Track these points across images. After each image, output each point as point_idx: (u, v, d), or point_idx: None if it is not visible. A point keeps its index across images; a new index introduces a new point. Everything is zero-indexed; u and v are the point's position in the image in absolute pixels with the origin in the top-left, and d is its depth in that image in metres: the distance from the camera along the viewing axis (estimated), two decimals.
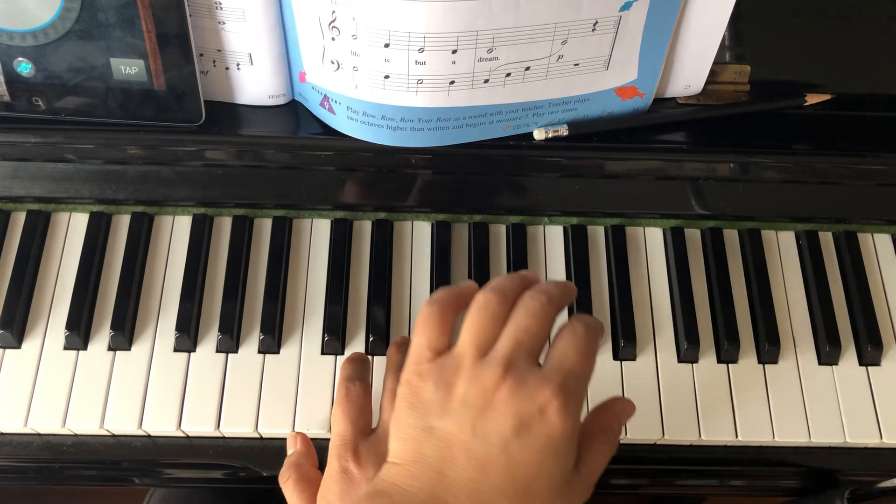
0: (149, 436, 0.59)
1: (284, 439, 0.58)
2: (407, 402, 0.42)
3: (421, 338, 0.43)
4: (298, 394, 0.59)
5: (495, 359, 0.41)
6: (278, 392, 0.59)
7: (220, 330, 0.60)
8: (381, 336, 0.60)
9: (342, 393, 0.52)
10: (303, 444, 0.55)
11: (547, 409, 0.39)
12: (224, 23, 0.55)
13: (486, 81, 0.55)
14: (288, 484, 0.52)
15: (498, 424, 0.39)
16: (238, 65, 0.58)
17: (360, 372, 0.55)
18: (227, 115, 0.60)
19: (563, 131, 0.60)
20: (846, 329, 0.63)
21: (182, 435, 0.59)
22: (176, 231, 0.64)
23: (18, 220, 0.64)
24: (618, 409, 0.47)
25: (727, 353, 0.61)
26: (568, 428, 0.39)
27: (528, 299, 0.43)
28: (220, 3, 0.54)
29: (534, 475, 0.39)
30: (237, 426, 0.58)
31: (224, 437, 0.59)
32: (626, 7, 0.53)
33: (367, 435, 0.50)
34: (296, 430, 0.58)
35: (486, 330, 0.42)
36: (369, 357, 0.59)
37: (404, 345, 0.55)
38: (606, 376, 0.60)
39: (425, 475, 0.39)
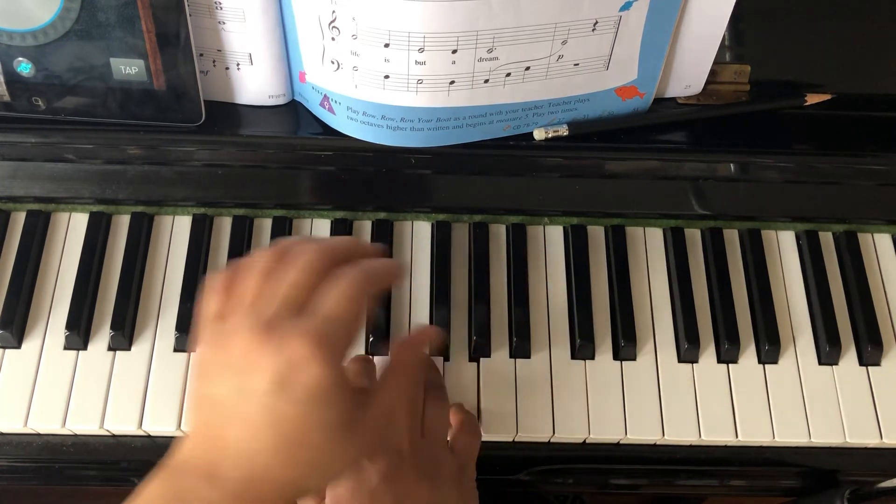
0: (149, 436, 0.59)
1: None
2: (194, 371, 0.42)
3: (206, 305, 0.42)
4: None
5: (259, 316, 0.40)
6: None
7: None
8: (382, 336, 0.60)
9: None
10: None
11: (303, 360, 0.38)
12: (224, 23, 0.55)
13: (486, 81, 0.55)
14: None
15: (258, 384, 0.38)
16: (238, 65, 0.58)
17: (366, 369, 0.53)
18: (227, 115, 0.60)
19: (563, 131, 0.60)
20: (846, 329, 0.63)
21: (182, 435, 0.59)
22: (176, 231, 0.64)
23: (18, 220, 0.64)
24: (413, 340, 0.48)
25: (727, 353, 0.61)
26: (329, 374, 0.38)
27: (297, 253, 0.42)
28: (220, 3, 0.54)
29: (303, 427, 0.38)
30: None
31: None
32: (626, 7, 0.53)
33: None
34: None
35: (256, 288, 0.41)
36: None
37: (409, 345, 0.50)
38: (606, 376, 0.60)
39: (203, 444, 0.40)
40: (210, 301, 0.42)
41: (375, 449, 0.46)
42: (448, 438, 0.54)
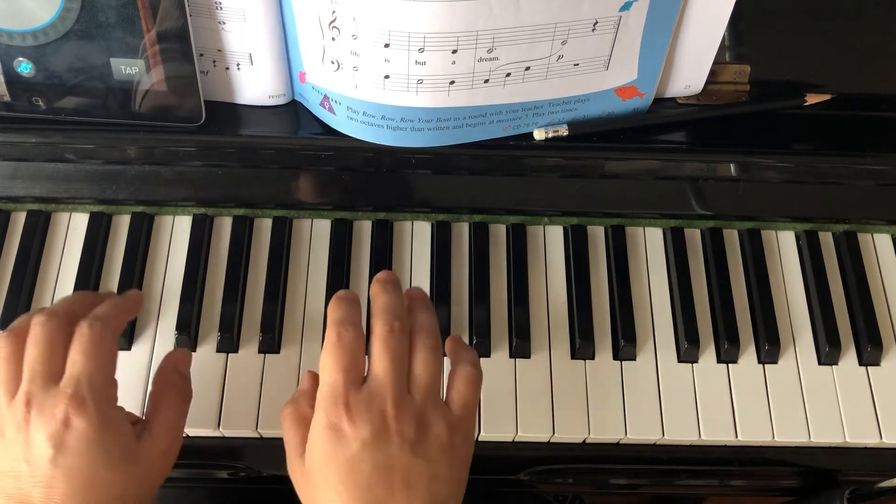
0: None
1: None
2: None
3: None
4: None
5: (19, 397, 0.46)
6: (278, 392, 0.59)
7: (220, 330, 0.60)
8: None
9: (333, 339, 0.47)
10: (308, 383, 0.51)
11: (69, 418, 0.45)
12: (224, 23, 0.55)
13: (486, 81, 0.55)
14: (285, 421, 0.50)
15: (39, 451, 0.45)
16: (238, 65, 0.58)
17: (351, 314, 0.49)
18: (227, 115, 0.60)
19: (563, 131, 0.60)
20: (846, 329, 0.63)
21: (182, 435, 0.59)
22: (176, 231, 0.64)
23: (18, 220, 0.64)
24: (171, 362, 0.53)
25: (727, 353, 0.61)
26: (95, 421, 0.45)
27: (32, 328, 0.47)
28: (220, 3, 0.54)
29: (92, 469, 0.45)
30: (237, 426, 0.58)
31: (224, 437, 0.59)
32: (626, 7, 0.53)
33: (358, 386, 0.47)
34: None
35: (8, 372, 0.47)
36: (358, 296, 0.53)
37: (390, 282, 0.51)
38: (606, 376, 0.60)
39: None
40: None
41: (166, 468, 0.49)
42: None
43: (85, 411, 0.45)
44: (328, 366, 0.47)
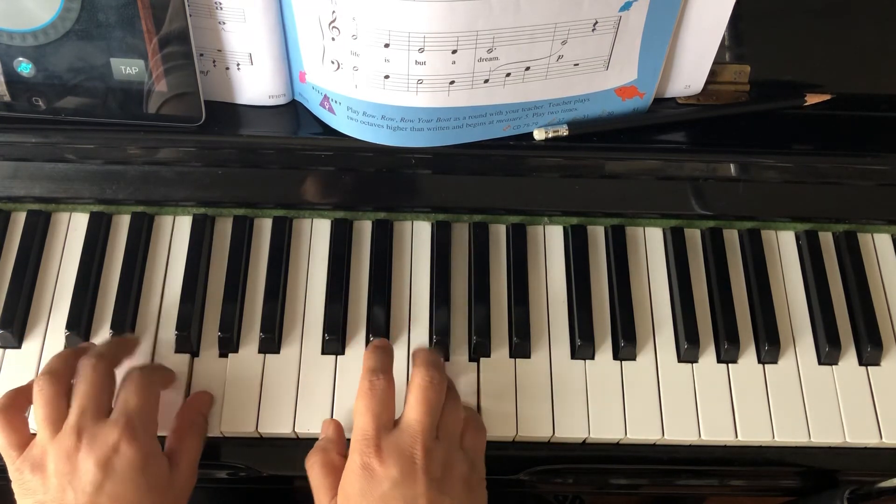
0: None
1: (284, 439, 0.58)
2: (17, 492, 0.50)
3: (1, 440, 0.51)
4: (298, 394, 0.59)
5: (67, 429, 0.49)
6: (278, 392, 0.59)
7: (220, 330, 0.60)
8: (381, 336, 0.60)
9: (366, 386, 0.52)
10: (334, 431, 0.56)
11: (119, 445, 0.49)
12: (224, 23, 0.55)
13: (486, 81, 0.55)
14: (314, 468, 0.54)
15: (88, 476, 0.48)
16: (238, 65, 0.58)
17: (384, 363, 0.54)
18: (227, 115, 0.60)
19: (563, 131, 0.60)
20: (846, 329, 0.63)
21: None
22: (176, 231, 0.64)
23: (18, 220, 0.64)
24: (196, 403, 0.57)
25: (727, 353, 0.61)
26: (141, 449, 0.49)
27: (79, 367, 0.52)
28: (220, 3, 0.54)
29: (135, 495, 0.49)
30: (237, 426, 0.58)
31: (224, 437, 0.59)
32: (626, 7, 0.53)
33: (389, 430, 0.51)
34: (296, 429, 0.58)
35: (52, 409, 0.50)
36: (391, 346, 0.59)
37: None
38: (606, 376, 0.60)
39: None
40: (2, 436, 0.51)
41: (187, 495, 0.54)
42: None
43: (135, 440, 0.49)
44: (361, 412, 0.52)
